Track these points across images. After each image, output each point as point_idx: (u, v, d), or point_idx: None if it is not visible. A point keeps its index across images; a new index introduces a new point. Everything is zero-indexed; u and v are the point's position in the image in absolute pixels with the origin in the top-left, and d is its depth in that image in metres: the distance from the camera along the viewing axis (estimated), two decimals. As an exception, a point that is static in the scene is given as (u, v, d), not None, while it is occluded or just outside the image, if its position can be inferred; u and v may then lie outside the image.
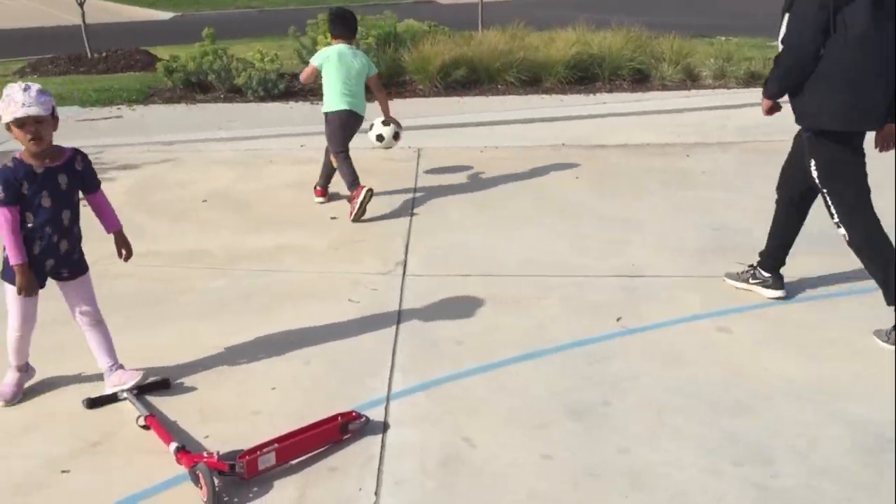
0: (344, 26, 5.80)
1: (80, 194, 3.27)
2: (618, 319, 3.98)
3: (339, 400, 3.28)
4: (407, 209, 5.73)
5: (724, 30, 14.09)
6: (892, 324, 3.65)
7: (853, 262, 3.90)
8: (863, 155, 3.78)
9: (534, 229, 5.30)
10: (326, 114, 5.78)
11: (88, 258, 3.37)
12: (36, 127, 3.00)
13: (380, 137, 5.92)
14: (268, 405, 3.28)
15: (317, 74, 5.75)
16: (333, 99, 5.69)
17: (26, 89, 2.99)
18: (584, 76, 9.99)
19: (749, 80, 9.75)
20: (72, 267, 3.28)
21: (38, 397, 3.38)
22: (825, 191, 3.78)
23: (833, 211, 3.77)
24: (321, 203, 5.92)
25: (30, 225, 3.12)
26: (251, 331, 3.92)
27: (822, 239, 4.64)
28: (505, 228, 5.33)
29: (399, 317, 4.04)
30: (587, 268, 4.63)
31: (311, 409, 3.21)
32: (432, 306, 4.17)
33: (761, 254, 4.24)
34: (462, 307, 4.15)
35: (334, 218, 5.57)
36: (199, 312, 4.16)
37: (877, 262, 3.73)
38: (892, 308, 3.68)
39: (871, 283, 3.82)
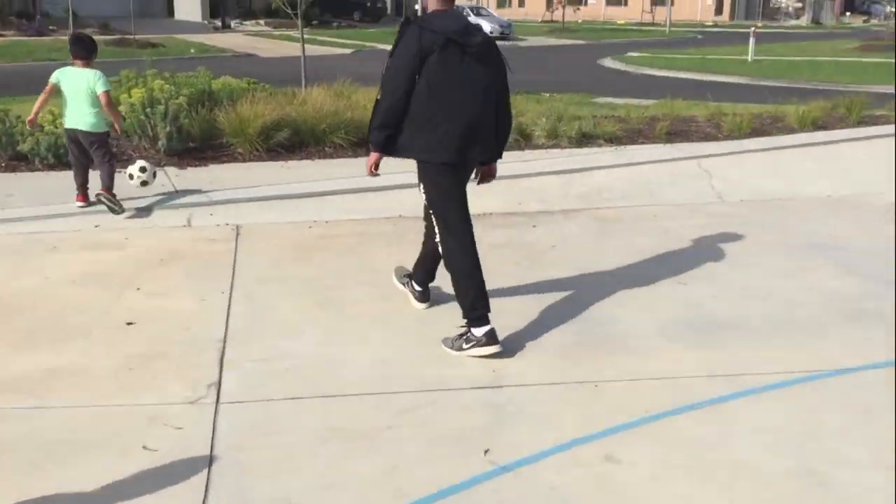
0: (78, 47, 6.59)
1: None
2: (485, 452, 3.26)
3: None
4: (223, 307, 4.78)
5: (534, 85, 14.10)
6: (462, 332, 4.11)
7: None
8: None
9: (376, 325, 4.53)
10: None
11: None
12: None
13: (144, 183, 6.66)
14: None
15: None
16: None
17: None
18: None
19: (581, 140, 9.56)
20: None
21: None
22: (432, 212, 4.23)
23: (437, 231, 4.19)
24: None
25: None
26: (0, 511, 2.87)
27: (705, 327, 4.22)
28: (343, 328, 4.51)
29: (209, 472, 3.11)
30: (441, 379, 3.89)
31: None
32: (255, 450, 3.27)
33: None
34: (294, 448, 3.29)
35: (131, 324, 4.53)
36: (-72, 484, 3.03)
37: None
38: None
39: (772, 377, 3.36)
